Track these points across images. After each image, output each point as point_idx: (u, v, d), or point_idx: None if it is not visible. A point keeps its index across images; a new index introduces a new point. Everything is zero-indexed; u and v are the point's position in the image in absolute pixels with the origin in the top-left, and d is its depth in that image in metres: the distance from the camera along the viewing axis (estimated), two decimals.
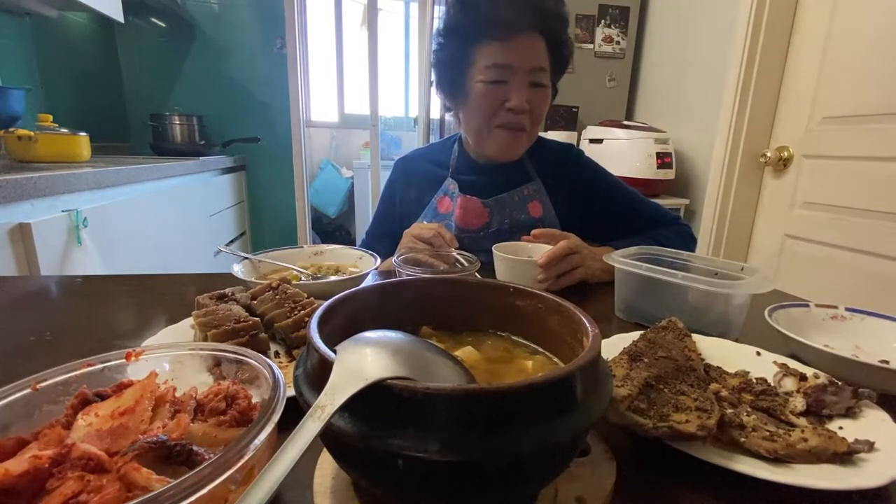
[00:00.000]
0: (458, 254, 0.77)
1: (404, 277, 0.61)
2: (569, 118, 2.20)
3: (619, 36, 2.19)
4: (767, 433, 0.36)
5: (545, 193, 1.00)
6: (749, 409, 0.40)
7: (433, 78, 0.99)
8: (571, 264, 0.76)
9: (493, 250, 0.76)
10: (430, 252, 0.79)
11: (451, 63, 0.92)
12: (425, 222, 1.01)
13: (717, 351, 0.52)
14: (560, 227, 0.97)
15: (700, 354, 0.50)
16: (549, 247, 0.76)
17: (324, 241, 3.03)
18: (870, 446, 0.35)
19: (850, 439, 0.36)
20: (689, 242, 0.98)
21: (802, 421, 0.40)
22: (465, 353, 0.36)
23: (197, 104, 2.75)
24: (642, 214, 1.02)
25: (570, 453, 0.28)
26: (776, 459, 0.35)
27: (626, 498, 0.33)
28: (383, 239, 1.04)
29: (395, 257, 0.73)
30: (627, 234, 0.97)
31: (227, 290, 0.59)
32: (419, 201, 1.05)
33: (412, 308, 0.40)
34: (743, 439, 0.36)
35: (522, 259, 0.76)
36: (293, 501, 0.32)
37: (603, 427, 0.38)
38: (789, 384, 0.45)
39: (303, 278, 0.73)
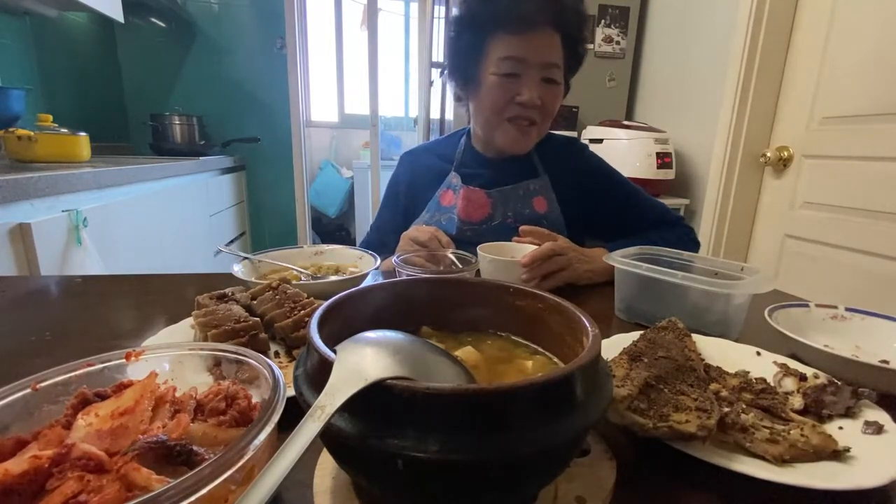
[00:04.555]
0: (454, 253, 0.77)
1: (404, 277, 0.61)
2: (569, 118, 2.20)
3: (619, 36, 2.19)
4: (767, 431, 0.36)
5: (551, 189, 0.98)
6: (745, 406, 0.40)
7: (446, 65, 0.98)
8: (556, 266, 0.74)
9: (478, 250, 0.74)
10: (425, 255, 0.78)
11: (464, 53, 0.91)
12: (425, 220, 1.01)
13: (717, 351, 0.52)
14: (564, 224, 0.97)
15: (700, 354, 0.49)
16: (534, 247, 0.75)
17: (324, 241, 3.03)
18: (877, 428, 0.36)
19: (850, 440, 0.36)
20: (690, 246, 0.96)
21: (799, 417, 0.40)
22: (465, 353, 0.36)
23: (197, 104, 2.75)
24: (645, 212, 1.00)
25: (570, 453, 0.28)
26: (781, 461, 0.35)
27: (626, 498, 0.33)
28: (387, 233, 1.03)
29: (395, 257, 0.73)
30: (630, 231, 0.96)
31: (227, 290, 0.59)
32: (423, 195, 1.04)
33: (412, 308, 0.40)
34: (749, 444, 0.36)
35: (505, 259, 0.74)
36: (293, 501, 0.32)
37: (603, 427, 0.38)
38: (789, 384, 0.45)
39: (303, 278, 0.73)
